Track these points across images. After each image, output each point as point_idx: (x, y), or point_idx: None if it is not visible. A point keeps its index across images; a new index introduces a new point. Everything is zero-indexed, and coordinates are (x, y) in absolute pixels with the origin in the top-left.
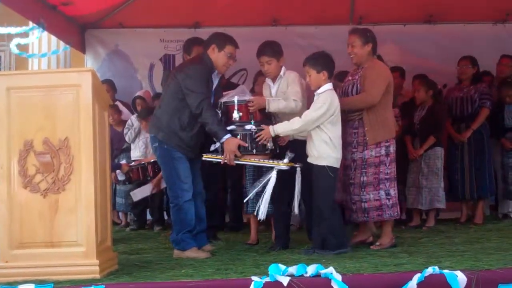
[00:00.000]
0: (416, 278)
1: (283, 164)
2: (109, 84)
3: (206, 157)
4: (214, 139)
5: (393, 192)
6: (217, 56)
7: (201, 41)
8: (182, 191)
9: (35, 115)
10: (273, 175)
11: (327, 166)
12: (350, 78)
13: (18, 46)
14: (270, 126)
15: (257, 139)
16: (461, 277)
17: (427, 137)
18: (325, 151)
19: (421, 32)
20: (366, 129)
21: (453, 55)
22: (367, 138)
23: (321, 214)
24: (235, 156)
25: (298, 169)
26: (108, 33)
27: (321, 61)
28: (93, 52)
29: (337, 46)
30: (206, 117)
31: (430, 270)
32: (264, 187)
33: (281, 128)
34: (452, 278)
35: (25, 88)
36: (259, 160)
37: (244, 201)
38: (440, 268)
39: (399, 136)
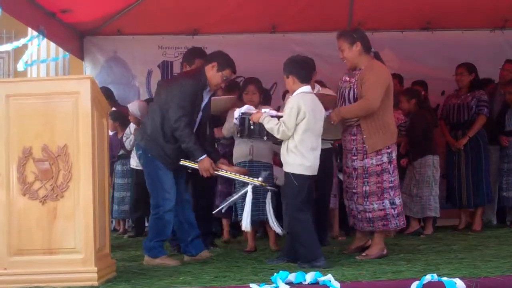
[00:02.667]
0: (414, 285)
1: (257, 181)
2: (106, 92)
3: (183, 162)
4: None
5: (398, 201)
6: (214, 74)
7: (204, 54)
8: (164, 200)
9: (34, 122)
10: (248, 190)
11: (291, 173)
12: (347, 79)
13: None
14: (263, 113)
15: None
16: (459, 284)
17: (414, 146)
18: (290, 158)
19: (419, 39)
20: (364, 136)
21: (451, 61)
22: (366, 146)
23: (288, 222)
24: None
25: (269, 193)
26: (107, 40)
27: (288, 66)
28: (91, 59)
29: (335, 53)
30: (184, 134)
31: (428, 278)
32: (235, 201)
33: (265, 122)
34: (450, 286)
35: (24, 95)
36: (235, 175)
37: (214, 212)
38: (438, 275)
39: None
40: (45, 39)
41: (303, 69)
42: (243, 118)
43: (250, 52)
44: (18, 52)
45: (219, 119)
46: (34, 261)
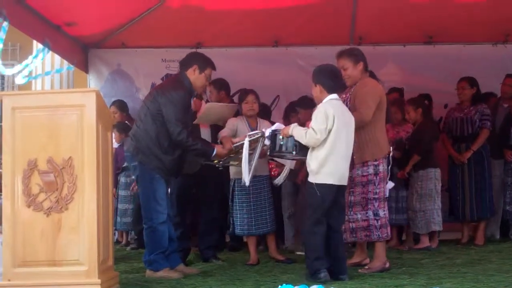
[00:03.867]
0: None
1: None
2: (117, 106)
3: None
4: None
5: (382, 213)
6: (197, 77)
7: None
8: (156, 212)
9: (40, 134)
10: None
11: (315, 183)
12: (343, 95)
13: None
14: (292, 126)
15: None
16: None
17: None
18: (314, 165)
19: (421, 52)
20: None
21: (454, 75)
22: (354, 157)
23: (305, 234)
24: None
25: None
26: (111, 53)
27: (316, 74)
28: (96, 72)
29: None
30: (189, 143)
31: None
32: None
33: (294, 130)
34: None
35: (30, 108)
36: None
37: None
38: None
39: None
40: (50, 53)
41: (330, 79)
42: (274, 135)
43: (253, 65)
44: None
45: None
46: (38, 272)
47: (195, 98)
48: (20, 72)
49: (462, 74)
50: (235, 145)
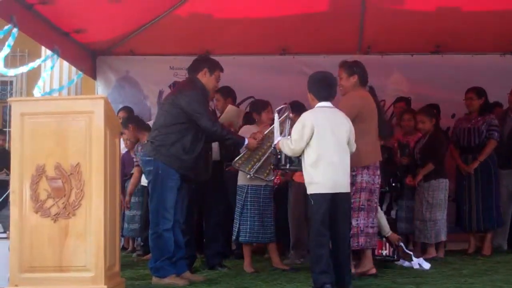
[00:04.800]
0: None
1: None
2: (126, 111)
3: (237, 162)
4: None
5: (355, 222)
6: (208, 79)
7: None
8: (163, 219)
9: (48, 140)
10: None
11: (309, 194)
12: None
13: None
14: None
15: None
16: None
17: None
18: (307, 176)
19: (429, 62)
20: None
21: (461, 85)
22: None
23: (309, 246)
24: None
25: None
26: (119, 60)
27: (308, 82)
28: (104, 78)
29: None
30: (224, 134)
31: None
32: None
33: (281, 144)
34: None
35: (39, 114)
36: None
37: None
38: None
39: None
40: (58, 60)
41: (320, 87)
42: (274, 148)
43: (261, 73)
44: (31, 72)
45: None
46: (45, 278)
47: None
48: (25, 67)
49: (470, 84)
50: (265, 132)
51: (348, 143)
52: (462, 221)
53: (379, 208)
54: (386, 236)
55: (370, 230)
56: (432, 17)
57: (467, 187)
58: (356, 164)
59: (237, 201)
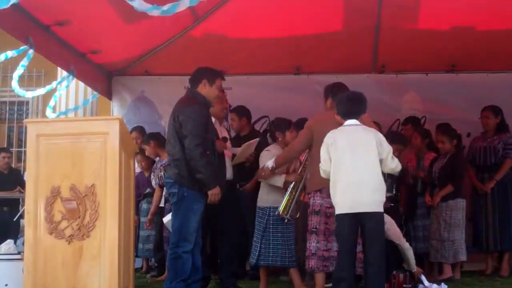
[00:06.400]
0: None
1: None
2: (139, 131)
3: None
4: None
5: (307, 244)
6: (208, 90)
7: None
8: (184, 241)
9: (63, 161)
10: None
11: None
12: None
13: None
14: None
15: None
16: None
17: (446, 186)
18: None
19: (444, 81)
20: None
21: (477, 103)
22: None
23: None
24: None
25: None
26: (135, 80)
27: (336, 103)
28: (119, 99)
29: None
30: (200, 164)
31: None
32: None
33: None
34: None
35: (54, 135)
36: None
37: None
38: None
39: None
40: (74, 80)
41: (339, 104)
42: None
43: (275, 93)
44: (47, 93)
45: None
46: None
47: (218, 140)
48: (43, 90)
49: (485, 103)
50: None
51: (382, 160)
52: (479, 241)
53: (407, 244)
54: (411, 271)
55: (326, 254)
56: (447, 36)
57: (483, 206)
58: (311, 188)
59: (257, 223)
